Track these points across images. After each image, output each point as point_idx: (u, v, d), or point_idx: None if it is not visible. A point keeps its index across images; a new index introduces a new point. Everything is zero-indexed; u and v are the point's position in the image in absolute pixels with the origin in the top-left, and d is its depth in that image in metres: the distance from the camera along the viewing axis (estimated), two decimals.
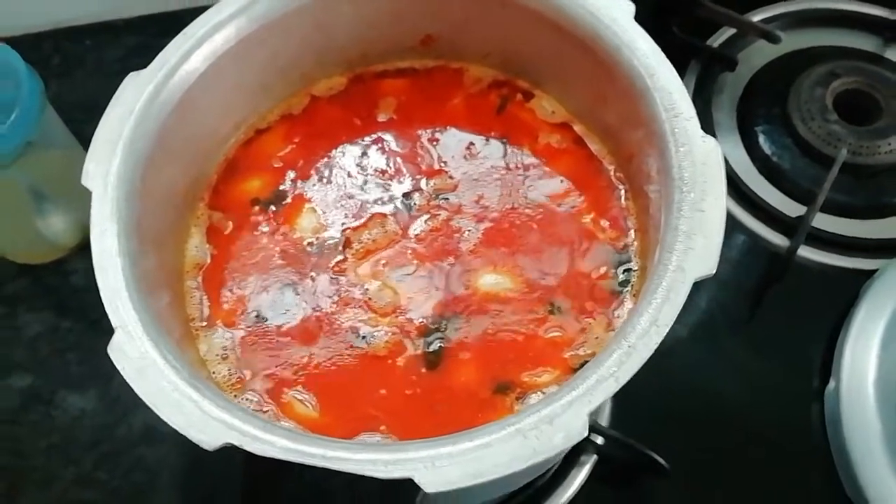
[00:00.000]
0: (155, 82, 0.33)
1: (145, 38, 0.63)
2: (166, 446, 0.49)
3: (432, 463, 0.26)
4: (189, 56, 0.34)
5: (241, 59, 0.36)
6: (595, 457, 0.46)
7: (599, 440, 0.46)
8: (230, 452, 0.49)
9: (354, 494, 0.30)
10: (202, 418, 0.27)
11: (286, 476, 0.38)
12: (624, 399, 0.47)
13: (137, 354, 0.28)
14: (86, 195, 0.54)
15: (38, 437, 0.50)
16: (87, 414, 0.51)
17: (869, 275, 0.50)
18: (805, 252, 0.51)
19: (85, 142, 0.53)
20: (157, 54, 0.35)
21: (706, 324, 0.52)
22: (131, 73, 0.34)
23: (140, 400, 0.50)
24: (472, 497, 0.38)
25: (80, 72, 0.63)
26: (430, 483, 0.26)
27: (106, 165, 0.32)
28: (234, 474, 0.47)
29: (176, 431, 0.48)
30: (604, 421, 0.47)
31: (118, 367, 0.28)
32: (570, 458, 0.45)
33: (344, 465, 0.26)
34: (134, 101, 0.33)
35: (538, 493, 0.45)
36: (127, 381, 0.28)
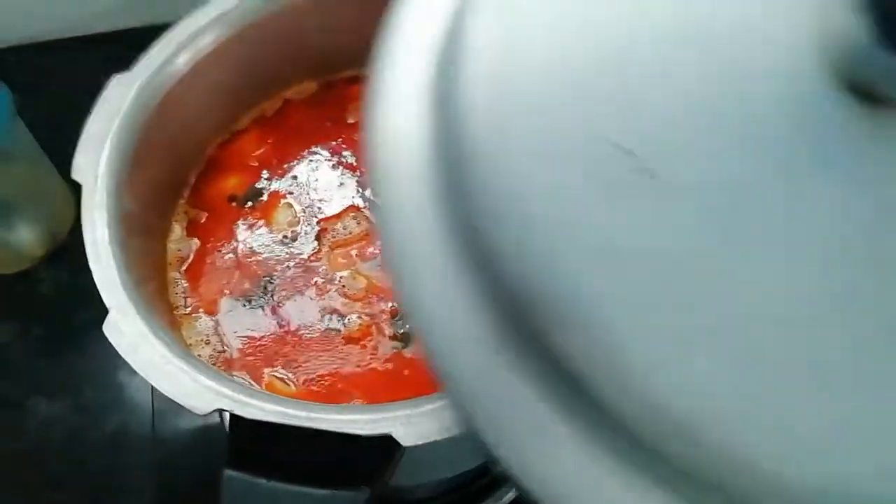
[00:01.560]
0: (140, 82, 0.36)
1: (113, 54, 0.64)
2: (137, 450, 0.50)
3: (408, 420, 0.28)
4: (171, 59, 0.36)
5: (219, 63, 0.39)
6: None
7: None
8: (203, 451, 0.50)
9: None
10: (194, 387, 0.29)
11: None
12: None
13: (131, 331, 0.30)
14: (53, 207, 0.55)
15: (9, 442, 0.50)
16: (58, 419, 0.52)
17: None
18: None
19: (52, 155, 0.54)
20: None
21: None
22: (116, 75, 0.36)
23: (111, 405, 0.52)
24: (444, 469, 0.40)
25: (46, 87, 0.63)
26: (406, 437, 0.28)
27: (94, 160, 0.34)
28: (206, 477, 0.49)
29: (147, 435, 0.50)
30: None
31: (113, 343, 0.30)
32: None
33: (327, 425, 0.28)
34: (120, 99, 0.35)
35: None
36: (122, 355, 0.30)
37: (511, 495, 0.46)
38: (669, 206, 0.15)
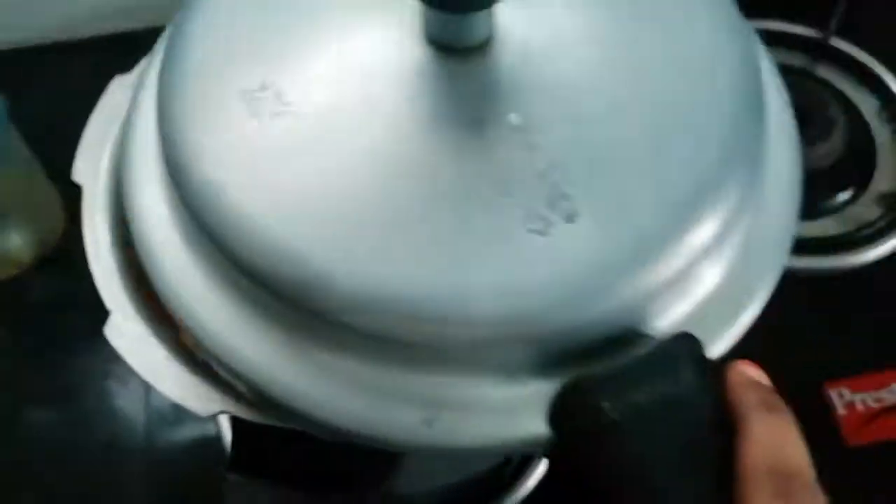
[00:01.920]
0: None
1: (104, 58, 0.64)
2: (131, 459, 0.50)
3: None
4: None
5: None
6: None
7: None
8: (197, 459, 0.49)
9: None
10: (196, 389, 0.29)
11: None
12: None
13: (133, 333, 0.30)
14: (44, 213, 0.54)
15: (1, 452, 0.50)
16: (50, 428, 0.51)
17: (803, 272, 0.54)
18: None
19: (43, 160, 0.54)
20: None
21: None
22: (118, 76, 0.35)
23: (103, 413, 0.51)
24: (444, 476, 0.40)
25: (37, 92, 0.63)
26: None
27: (95, 163, 0.33)
28: (201, 485, 0.48)
29: (140, 443, 0.49)
30: None
31: (115, 345, 0.29)
32: None
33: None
34: (121, 102, 0.34)
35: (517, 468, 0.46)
36: (124, 357, 0.29)
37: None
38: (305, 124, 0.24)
